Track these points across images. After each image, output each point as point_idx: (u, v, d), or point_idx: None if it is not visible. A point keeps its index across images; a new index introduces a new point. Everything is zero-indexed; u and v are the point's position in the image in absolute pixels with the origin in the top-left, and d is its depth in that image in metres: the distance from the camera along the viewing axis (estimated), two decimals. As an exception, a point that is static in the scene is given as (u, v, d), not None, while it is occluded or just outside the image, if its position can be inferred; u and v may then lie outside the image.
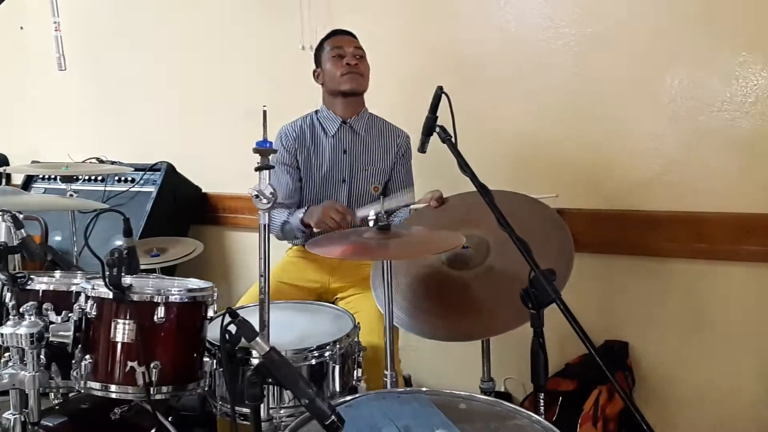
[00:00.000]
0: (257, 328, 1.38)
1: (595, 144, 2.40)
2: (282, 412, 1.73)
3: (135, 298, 1.57)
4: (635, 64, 2.30)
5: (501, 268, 1.88)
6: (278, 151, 2.37)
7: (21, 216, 1.86)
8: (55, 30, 2.16)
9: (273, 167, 1.49)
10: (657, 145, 2.30)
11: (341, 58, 2.34)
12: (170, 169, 3.08)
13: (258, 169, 1.45)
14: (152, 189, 3.01)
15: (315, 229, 2.21)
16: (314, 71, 2.43)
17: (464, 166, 1.62)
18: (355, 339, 1.90)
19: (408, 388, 1.43)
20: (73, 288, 1.73)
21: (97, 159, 3.19)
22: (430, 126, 1.72)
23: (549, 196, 2.04)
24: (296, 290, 2.36)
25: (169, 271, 2.70)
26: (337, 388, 1.82)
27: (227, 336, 1.47)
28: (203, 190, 3.25)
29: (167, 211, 2.99)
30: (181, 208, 3.12)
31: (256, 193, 1.45)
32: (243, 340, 1.42)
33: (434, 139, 1.73)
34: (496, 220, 1.54)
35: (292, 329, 1.93)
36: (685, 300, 2.33)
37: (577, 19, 2.38)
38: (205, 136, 3.26)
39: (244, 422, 1.70)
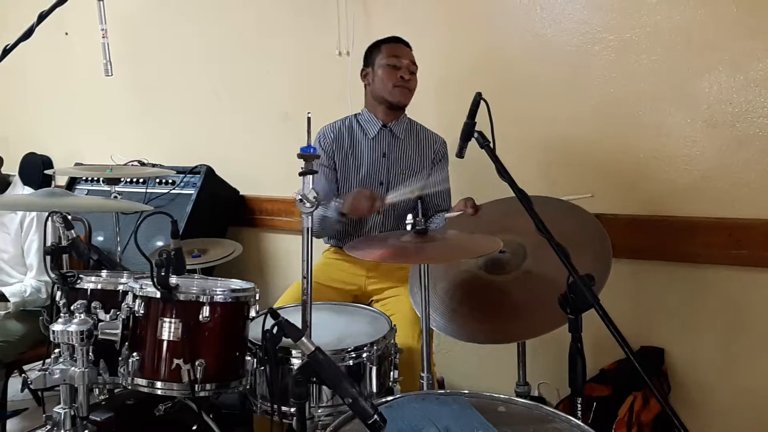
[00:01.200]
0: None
1: (631, 149, 2.39)
2: (320, 411, 1.76)
3: (181, 297, 1.62)
4: (672, 69, 2.29)
5: (538, 273, 1.89)
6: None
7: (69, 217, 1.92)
8: (102, 37, 2.20)
9: (316, 172, 1.53)
10: (694, 151, 2.29)
11: (396, 69, 2.36)
12: (209, 172, 3.14)
13: (302, 173, 1.49)
14: (192, 191, 3.07)
15: (350, 215, 2.22)
16: (362, 70, 2.45)
17: (503, 172, 1.64)
18: (392, 341, 1.93)
19: (448, 390, 1.45)
20: (121, 287, 1.78)
21: (139, 162, 3.27)
22: (468, 132, 1.73)
23: (584, 197, 2.04)
24: (332, 291, 2.40)
25: (208, 271, 2.75)
26: (374, 389, 1.85)
27: (269, 335, 1.51)
28: (241, 193, 3.30)
29: (206, 212, 3.05)
30: (220, 210, 3.18)
31: (300, 197, 1.49)
32: (284, 339, 1.46)
33: (473, 144, 1.74)
34: (535, 226, 1.55)
35: (329, 330, 1.96)
36: (723, 307, 2.31)
37: (615, 24, 2.38)
38: (243, 140, 3.32)
39: (283, 420, 1.74)
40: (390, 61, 2.37)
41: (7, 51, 2.02)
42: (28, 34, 2.04)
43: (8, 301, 2.57)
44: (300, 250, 2.79)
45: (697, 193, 2.29)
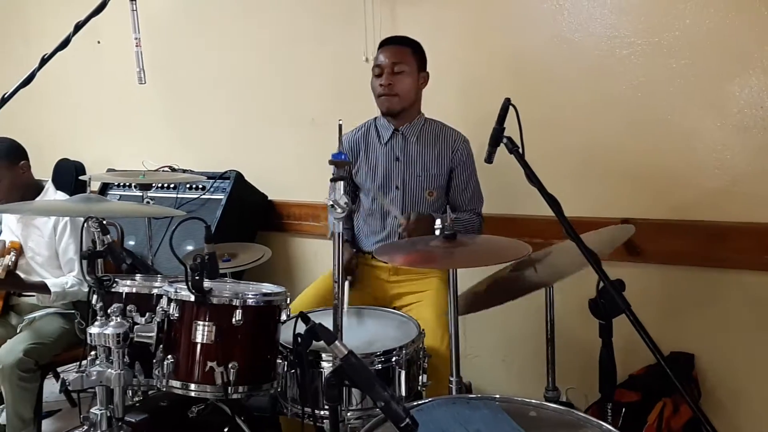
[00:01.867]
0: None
1: (661, 153, 2.38)
2: (349, 414, 1.78)
3: (215, 301, 1.65)
4: (703, 73, 2.27)
5: (563, 264, 1.87)
6: None
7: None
8: (136, 46, 2.24)
9: (347, 178, 1.55)
10: (725, 156, 2.27)
11: (379, 76, 2.35)
12: (239, 177, 3.18)
13: (333, 180, 1.51)
14: (221, 196, 3.11)
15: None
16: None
17: (532, 177, 1.64)
18: (420, 345, 1.94)
19: (478, 395, 1.46)
20: (155, 291, 1.82)
21: (170, 167, 3.32)
22: (497, 137, 1.74)
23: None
24: (357, 294, 2.41)
25: (237, 275, 2.79)
26: (403, 393, 1.87)
27: (299, 339, 1.53)
28: (269, 198, 3.34)
29: (235, 217, 3.09)
30: (248, 214, 3.22)
31: (332, 203, 1.51)
32: (314, 343, 1.48)
33: (500, 149, 1.75)
34: (564, 231, 1.56)
35: (358, 334, 1.98)
36: (755, 312, 2.28)
37: (643, 29, 2.37)
38: (271, 145, 3.35)
39: (312, 422, 1.77)
40: (374, 71, 2.37)
41: (45, 60, 2.07)
42: (64, 44, 2.09)
43: (49, 292, 2.62)
44: (327, 254, 2.81)
45: (727, 197, 2.27)
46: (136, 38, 2.26)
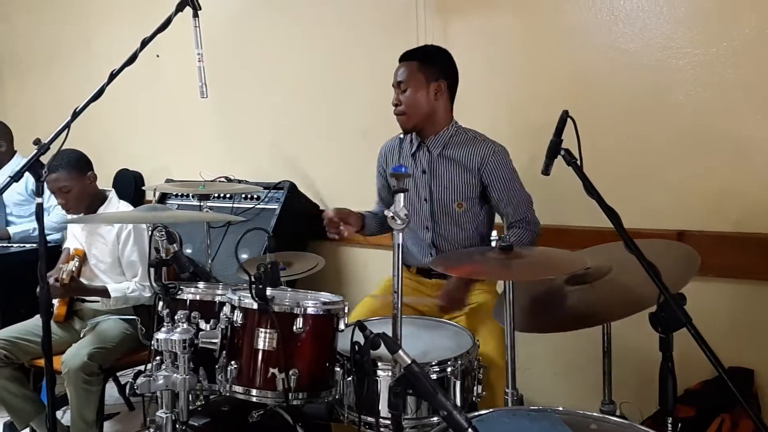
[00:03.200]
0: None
1: (718, 165, 2.34)
2: (405, 423, 1.80)
3: (277, 309, 1.69)
4: (761, 82, 2.24)
5: (622, 282, 1.86)
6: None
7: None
8: (198, 61, 2.31)
9: (407, 190, 1.57)
10: (784, 167, 2.23)
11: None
12: (292, 188, 3.24)
13: (394, 192, 1.54)
14: (276, 206, 3.17)
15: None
16: None
17: (590, 189, 1.65)
18: (476, 356, 1.96)
19: (540, 407, 1.46)
20: (217, 298, 1.88)
21: (226, 178, 3.41)
22: (554, 149, 1.74)
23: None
24: (405, 309, 2.42)
25: (290, 283, 2.84)
26: (458, 404, 1.88)
27: (361, 347, 1.57)
28: (321, 207, 3.39)
29: (289, 227, 3.15)
30: (301, 224, 3.28)
31: (392, 214, 1.54)
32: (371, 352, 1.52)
33: (560, 162, 1.75)
34: (624, 243, 1.56)
35: (413, 344, 1.99)
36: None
37: (700, 39, 2.34)
38: (323, 156, 3.40)
39: (369, 430, 1.79)
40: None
41: (113, 75, 2.16)
42: (132, 60, 2.18)
43: (110, 297, 2.72)
44: (376, 264, 2.84)
45: (789, 210, 2.23)
46: (198, 53, 2.33)
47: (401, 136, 2.42)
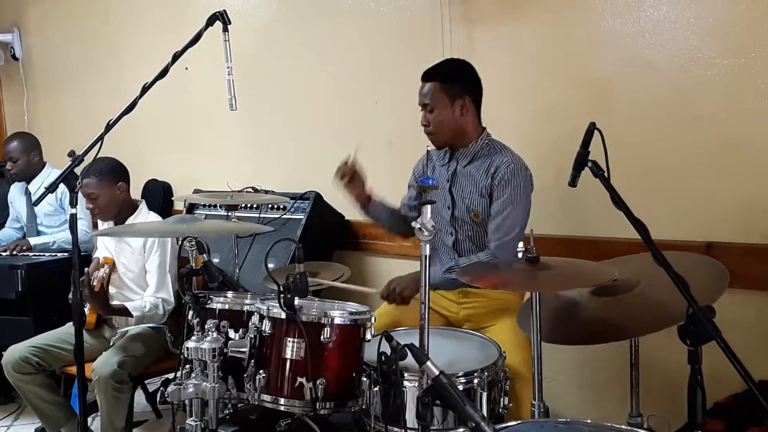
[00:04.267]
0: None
1: (747, 176, 2.32)
2: (431, 434, 1.81)
3: (304, 318, 1.71)
4: (792, 94, 2.22)
5: (651, 296, 1.85)
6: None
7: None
8: (228, 74, 2.36)
9: (434, 202, 1.59)
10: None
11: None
12: (318, 198, 3.26)
13: (421, 203, 1.55)
14: (302, 216, 3.20)
15: None
16: None
17: (618, 201, 1.65)
18: (502, 367, 1.96)
19: (567, 419, 1.46)
20: (246, 307, 1.90)
21: (253, 188, 3.44)
22: (581, 161, 1.75)
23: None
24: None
25: (316, 293, 2.86)
26: (485, 415, 1.88)
27: (388, 358, 1.58)
28: (346, 218, 3.42)
29: (315, 237, 3.17)
30: (327, 234, 3.30)
31: (419, 226, 1.55)
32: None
33: (586, 174, 1.75)
34: (653, 256, 1.55)
35: (439, 355, 1.99)
36: None
37: (727, 49, 2.33)
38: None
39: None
40: None
41: (145, 89, 2.22)
42: (163, 73, 2.24)
43: (131, 315, 2.76)
44: (403, 274, 2.84)
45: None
46: (228, 67, 2.38)
47: (429, 148, 2.44)
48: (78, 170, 2.16)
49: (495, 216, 2.32)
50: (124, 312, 2.76)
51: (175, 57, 2.24)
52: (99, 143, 2.15)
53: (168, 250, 2.86)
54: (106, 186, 2.84)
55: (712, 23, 2.35)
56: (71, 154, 2.10)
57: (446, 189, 2.42)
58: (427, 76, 2.38)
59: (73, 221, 2.09)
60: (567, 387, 2.77)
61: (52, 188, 2.10)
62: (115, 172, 2.89)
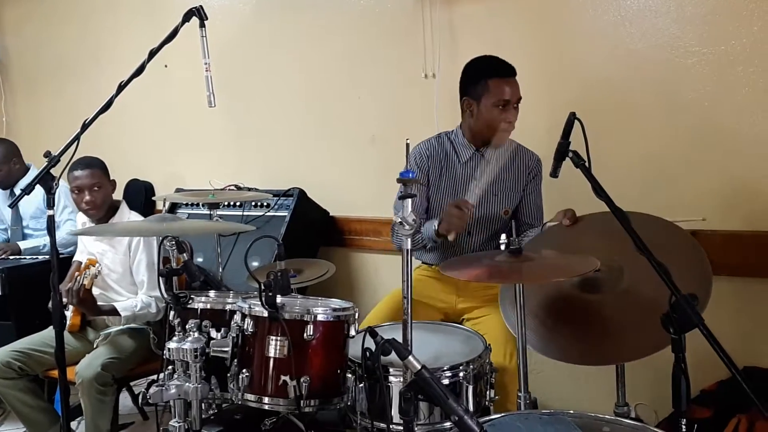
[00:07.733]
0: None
1: (729, 163, 2.33)
2: (417, 428, 1.79)
3: (287, 316, 1.70)
4: (772, 80, 2.23)
5: (635, 293, 1.87)
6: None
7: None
8: (206, 71, 2.32)
9: (415, 196, 1.57)
10: (797, 164, 2.21)
11: (504, 111, 2.29)
12: (302, 195, 3.24)
13: (401, 197, 1.54)
14: (285, 213, 3.17)
15: (446, 235, 2.17)
16: (465, 99, 2.38)
17: (599, 191, 1.64)
18: (487, 360, 1.95)
19: (551, 410, 1.45)
20: (228, 306, 1.88)
21: (236, 186, 3.41)
22: (562, 151, 1.74)
23: (694, 220, 2.00)
24: (424, 308, 2.42)
25: (301, 290, 2.84)
26: (470, 408, 1.87)
27: (371, 353, 1.57)
28: (331, 214, 3.40)
29: (299, 233, 3.15)
30: (311, 230, 3.28)
31: (400, 220, 1.53)
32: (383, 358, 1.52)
33: (567, 164, 1.75)
34: (633, 244, 1.55)
35: (425, 349, 1.99)
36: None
37: (708, 37, 2.33)
38: (332, 163, 3.41)
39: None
40: (498, 103, 2.28)
41: (121, 87, 2.18)
42: (140, 71, 2.20)
43: (120, 315, 2.73)
44: (387, 269, 2.84)
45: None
46: (206, 63, 2.34)
47: (433, 140, 2.45)
48: (55, 171, 2.13)
49: (535, 202, 2.50)
50: (113, 312, 2.73)
51: (152, 54, 2.20)
52: (75, 143, 2.11)
53: (155, 250, 2.83)
54: (107, 178, 2.85)
55: (692, 11, 2.36)
56: (47, 154, 2.06)
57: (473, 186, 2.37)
58: (513, 70, 2.33)
59: (50, 223, 2.06)
60: (556, 378, 2.76)
61: (28, 190, 2.06)
62: (106, 168, 2.87)
